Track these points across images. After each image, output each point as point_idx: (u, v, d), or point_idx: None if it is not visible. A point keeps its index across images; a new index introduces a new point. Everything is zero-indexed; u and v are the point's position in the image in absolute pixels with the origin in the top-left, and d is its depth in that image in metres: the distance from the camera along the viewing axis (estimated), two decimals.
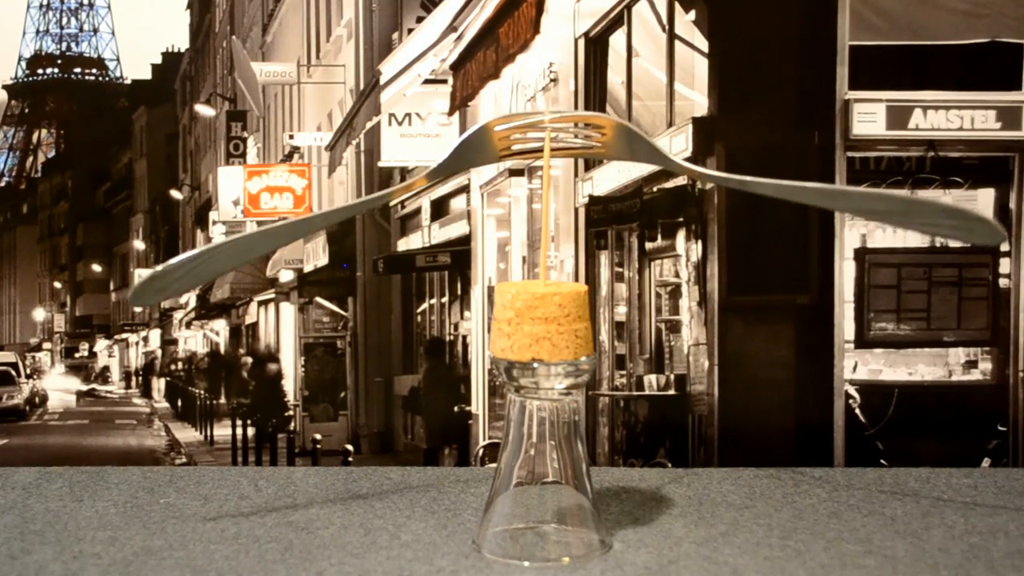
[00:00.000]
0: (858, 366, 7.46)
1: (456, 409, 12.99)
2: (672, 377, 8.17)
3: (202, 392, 24.61)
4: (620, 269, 9.47)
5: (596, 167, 9.33)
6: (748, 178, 1.16)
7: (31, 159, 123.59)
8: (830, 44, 7.05)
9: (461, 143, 1.19)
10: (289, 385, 20.39)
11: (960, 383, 7.56)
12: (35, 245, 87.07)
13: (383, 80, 11.21)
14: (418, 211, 16.57)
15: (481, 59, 9.10)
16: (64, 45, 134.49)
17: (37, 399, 34.49)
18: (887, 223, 1.22)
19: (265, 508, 1.32)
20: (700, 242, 7.56)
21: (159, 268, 1.16)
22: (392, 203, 17.48)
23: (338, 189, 20.20)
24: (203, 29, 45.42)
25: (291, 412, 18.52)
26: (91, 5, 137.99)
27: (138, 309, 56.58)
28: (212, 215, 30.07)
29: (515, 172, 11.85)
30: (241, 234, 1.28)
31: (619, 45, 9.51)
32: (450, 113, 11.46)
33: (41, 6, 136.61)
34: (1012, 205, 7.41)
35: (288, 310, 24.09)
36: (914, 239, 7.32)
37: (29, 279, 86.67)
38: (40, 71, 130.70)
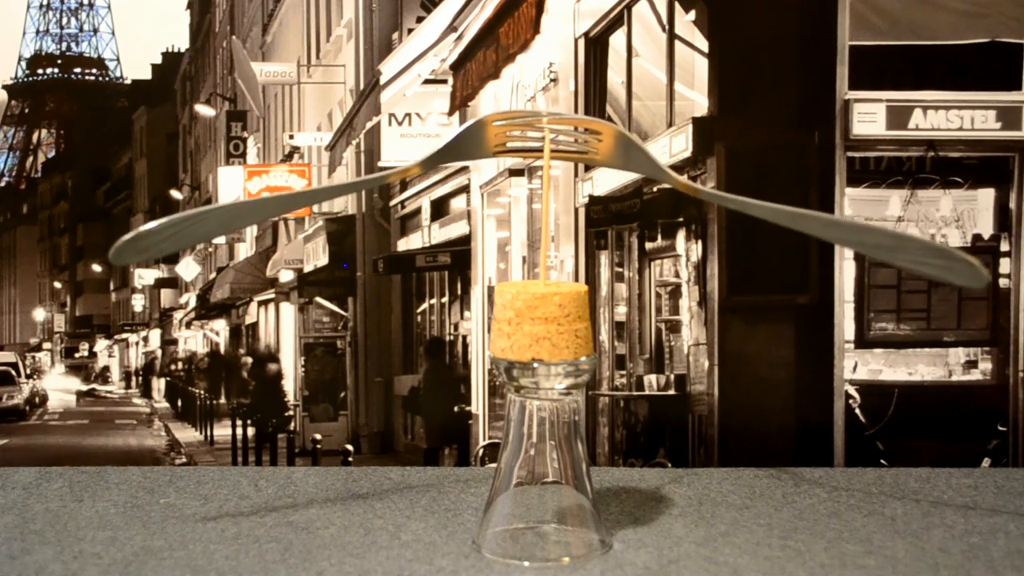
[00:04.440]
0: (858, 366, 7.46)
1: (456, 409, 12.99)
2: (672, 377, 8.17)
3: (202, 392, 24.61)
4: (620, 269, 9.47)
5: (596, 167, 9.33)
6: (741, 199, 1.16)
7: (31, 159, 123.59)
8: (830, 44, 7.05)
9: (458, 134, 1.19)
10: (289, 385, 20.39)
11: (960, 383, 7.56)
12: (35, 245, 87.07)
13: (383, 80, 11.22)
14: (418, 211, 16.57)
15: (481, 59, 9.11)
16: (64, 45, 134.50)
17: (37, 399, 34.48)
18: (875, 256, 1.22)
19: (265, 508, 1.32)
20: (700, 242, 7.56)
21: (143, 228, 1.12)
22: (392, 203, 17.49)
23: None
24: (203, 29, 45.42)
25: (291, 412, 18.52)
26: (91, 5, 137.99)
27: (138, 309, 56.63)
28: None
29: (515, 172, 11.86)
30: (231, 201, 1.27)
31: (619, 45, 9.51)
32: (450, 113, 11.45)
33: (41, 6, 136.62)
34: (1012, 205, 7.41)
35: (288, 310, 24.09)
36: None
37: (29, 279, 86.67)
38: (40, 71, 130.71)
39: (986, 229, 7.54)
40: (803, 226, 1.19)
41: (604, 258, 9.71)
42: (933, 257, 1.15)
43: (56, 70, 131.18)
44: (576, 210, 9.82)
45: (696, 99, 8.21)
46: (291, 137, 21.27)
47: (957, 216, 7.51)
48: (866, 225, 1.27)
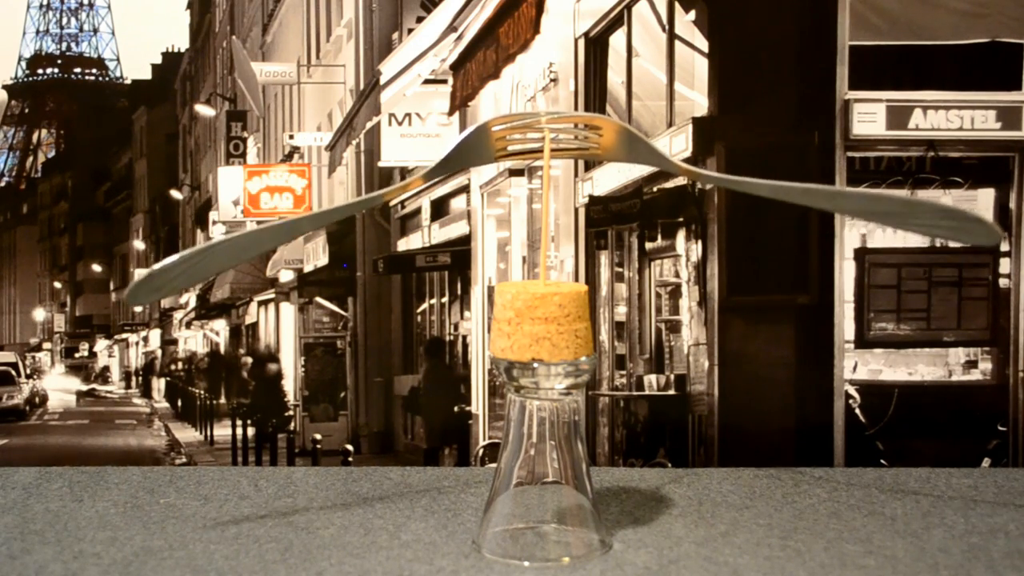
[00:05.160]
0: (858, 366, 7.46)
1: (456, 409, 12.99)
2: (672, 377, 8.17)
3: (202, 392, 24.61)
4: (620, 269, 9.47)
5: (596, 167, 9.33)
6: (746, 179, 1.16)
7: (31, 159, 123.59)
8: (830, 44, 7.05)
9: (459, 143, 1.19)
10: (289, 385, 20.39)
11: (960, 383, 7.55)
12: (35, 245, 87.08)
13: (383, 80, 11.22)
14: (418, 211, 16.57)
15: (481, 59, 9.11)
16: (64, 45, 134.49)
17: (37, 399, 34.48)
18: (885, 224, 1.23)
19: (265, 508, 1.32)
20: (700, 242, 7.56)
21: (155, 267, 1.15)
22: (392, 203, 17.49)
23: (338, 189, 20.20)
24: (203, 29, 45.41)
25: (291, 412, 18.52)
26: (91, 5, 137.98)
27: (138, 309, 56.60)
28: (212, 215, 30.06)
29: (515, 172, 11.85)
30: (238, 233, 1.28)
31: (619, 45, 9.51)
32: (450, 113, 11.46)
33: (41, 6, 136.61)
34: (1012, 205, 7.40)
35: (288, 310, 24.08)
36: (914, 239, 7.32)
37: (29, 279, 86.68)
38: (40, 71, 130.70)
39: None
40: (812, 200, 1.19)
41: (604, 258, 9.71)
42: (945, 219, 1.15)
43: (56, 70, 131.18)
44: (576, 210, 9.82)
45: (696, 99, 8.21)
46: (291, 137, 21.27)
47: None
48: (873, 193, 1.27)
